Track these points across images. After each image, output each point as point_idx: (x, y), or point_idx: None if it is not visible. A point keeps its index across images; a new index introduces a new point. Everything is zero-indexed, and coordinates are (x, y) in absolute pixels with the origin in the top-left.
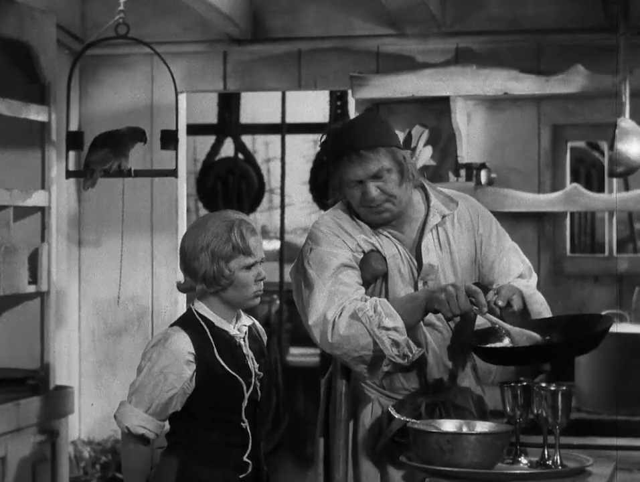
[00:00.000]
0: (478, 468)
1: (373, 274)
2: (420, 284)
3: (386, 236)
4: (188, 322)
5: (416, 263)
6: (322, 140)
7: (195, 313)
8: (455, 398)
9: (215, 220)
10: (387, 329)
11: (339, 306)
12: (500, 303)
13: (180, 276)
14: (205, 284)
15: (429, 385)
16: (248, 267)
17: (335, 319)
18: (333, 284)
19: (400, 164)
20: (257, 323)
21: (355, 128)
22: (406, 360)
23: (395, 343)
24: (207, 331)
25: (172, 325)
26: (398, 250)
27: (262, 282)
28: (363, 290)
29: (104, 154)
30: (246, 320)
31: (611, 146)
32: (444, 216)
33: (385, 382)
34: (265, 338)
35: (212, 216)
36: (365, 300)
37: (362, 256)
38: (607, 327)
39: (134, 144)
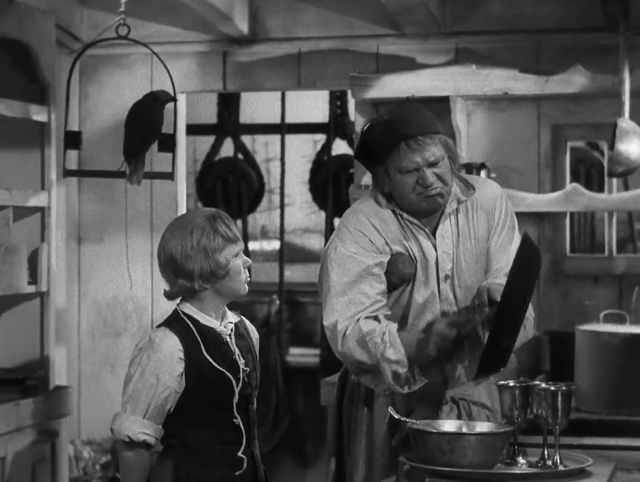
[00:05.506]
0: (478, 468)
1: (400, 278)
2: (441, 276)
3: (421, 229)
4: (173, 321)
5: (435, 253)
6: (365, 131)
7: (180, 313)
8: (473, 396)
9: (193, 219)
10: (390, 361)
11: (354, 318)
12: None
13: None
14: (202, 281)
15: (447, 383)
16: (237, 254)
17: (346, 331)
18: (352, 292)
19: (451, 151)
20: (245, 320)
21: (408, 116)
22: (407, 388)
23: (396, 375)
24: (193, 328)
25: (157, 327)
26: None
27: (248, 270)
28: (382, 302)
29: (146, 128)
30: (232, 318)
31: (611, 146)
32: (460, 202)
33: None
34: (255, 336)
35: (186, 217)
36: (377, 317)
37: (389, 257)
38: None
39: (164, 106)
